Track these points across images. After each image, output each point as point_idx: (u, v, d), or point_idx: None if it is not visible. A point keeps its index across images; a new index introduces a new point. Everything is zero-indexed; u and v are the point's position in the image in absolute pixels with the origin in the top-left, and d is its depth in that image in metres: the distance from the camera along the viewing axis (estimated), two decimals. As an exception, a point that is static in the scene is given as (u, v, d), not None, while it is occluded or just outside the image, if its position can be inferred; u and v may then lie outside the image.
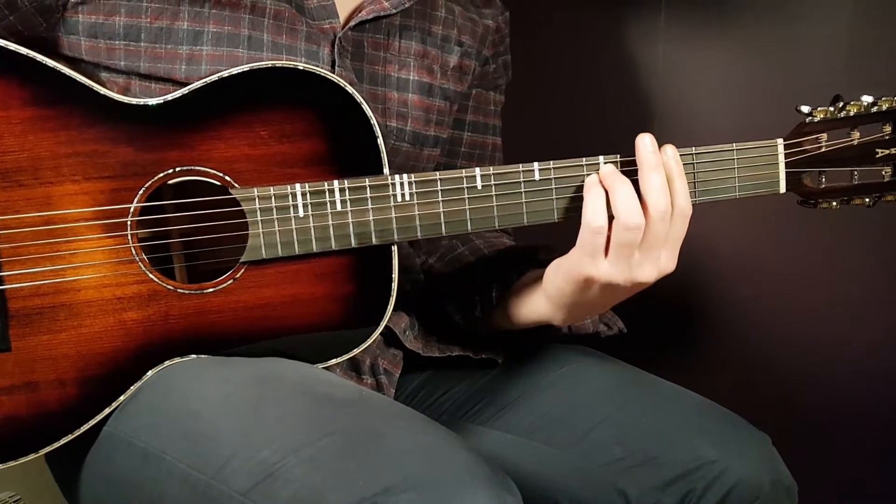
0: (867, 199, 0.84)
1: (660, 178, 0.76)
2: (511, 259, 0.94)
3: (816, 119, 0.82)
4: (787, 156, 0.82)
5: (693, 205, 0.81)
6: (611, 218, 0.77)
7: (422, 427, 0.70)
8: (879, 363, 1.14)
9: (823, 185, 0.84)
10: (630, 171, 0.79)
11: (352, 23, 0.84)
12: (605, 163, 0.80)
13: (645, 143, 0.78)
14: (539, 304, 0.84)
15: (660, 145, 0.79)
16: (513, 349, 0.95)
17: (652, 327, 1.24)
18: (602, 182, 0.78)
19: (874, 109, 0.82)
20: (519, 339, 0.93)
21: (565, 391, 0.88)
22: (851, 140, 0.82)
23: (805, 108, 0.82)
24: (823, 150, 0.82)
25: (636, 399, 0.86)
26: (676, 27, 1.19)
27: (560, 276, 0.80)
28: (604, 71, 1.26)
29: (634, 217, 0.75)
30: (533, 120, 1.25)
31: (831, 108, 0.82)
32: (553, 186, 0.79)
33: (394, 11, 0.85)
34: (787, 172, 0.82)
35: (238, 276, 0.77)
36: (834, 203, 0.84)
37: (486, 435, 0.88)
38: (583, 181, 0.79)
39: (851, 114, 0.81)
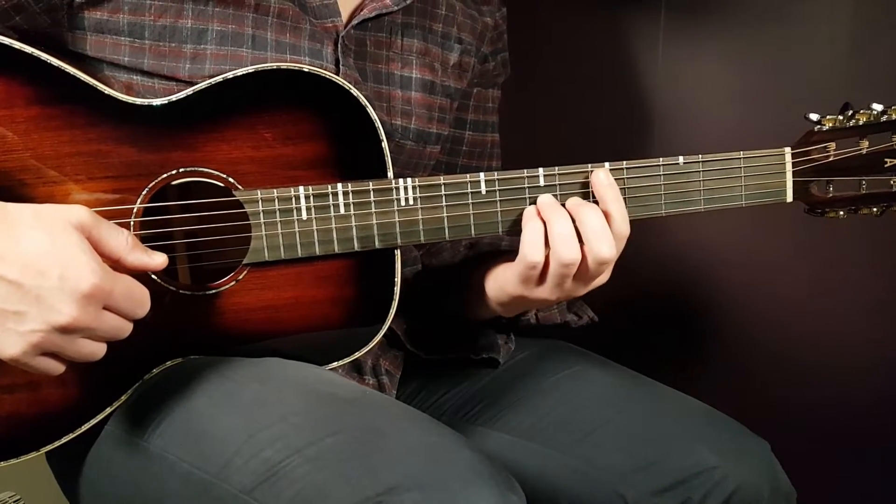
0: (875, 209, 0.89)
1: (597, 223, 0.81)
2: (474, 253, 1.01)
3: (825, 128, 0.86)
4: (794, 164, 0.87)
5: (699, 212, 0.86)
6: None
7: (425, 426, 0.76)
8: (881, 370, 1.20)
9: (831, 195, 0.88)
10: (633, 176, 0.84)
11: (354, 21, 0.88)
12: (610, 168, 0.84)
13: (573, 199, 0.83)
14: (483, 302, 0.91)
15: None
16: (513, 351, 1.01)
17: (653, 332, 1.29)
18: (540, 214, 0.83)
19: (884, 118, 0.86)
20: (491, 328, 1.00)
21: (566, 394, 0.94)
22: (860, 149, 0.87)
23: (814, 117, 0.86)
24: (831, 158, 0.87)
25: (637, 404, 0.93)
26: (676, 29, 1.23)
27: (496, 286, 0.89)
28: (603, 73, 1.30)
29: (571, 254, 0.81)
30: (532, 122, 1.29)
31: (840, 117, 0.86)
32: (558, 192, 0.84)
33: (395, 8, 0.90)
34: (794, 181, 0.87)
35: (240, 277, 0.82)
36: (841, 212, 0.89)
37: (486, 436, 0.94)
38: (588, 187, 0.84)
39: (860, 123, 0.86)
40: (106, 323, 0.69)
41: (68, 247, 0.67)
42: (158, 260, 0.73)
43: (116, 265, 0.71)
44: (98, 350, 0.71)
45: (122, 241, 0.71)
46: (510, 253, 0.87)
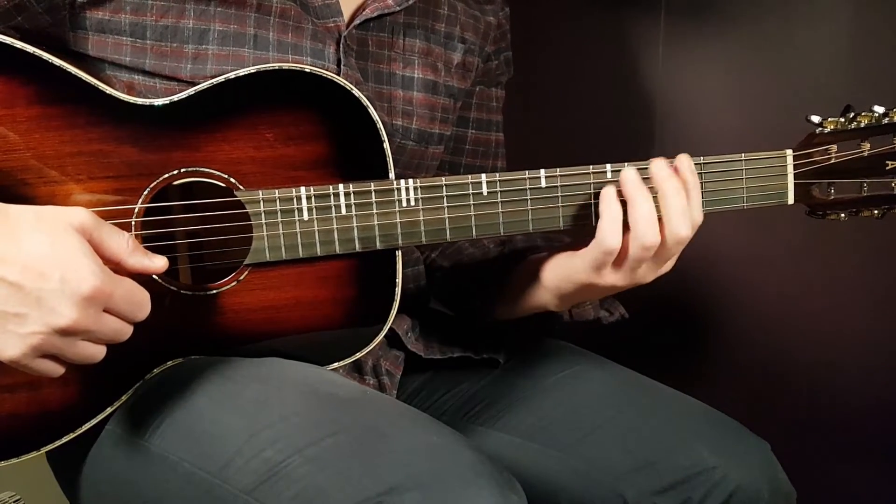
0: (876, 212, 0.89)
1: (681, 202, 0.81)
2: (510, 249, 1.00)
3: (827, 130, 0.86)
4: (796, 166, 0.87)
5: (699, 214, 0.86)
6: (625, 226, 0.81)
7: (426, 426, 0.76)
8: (881, 370, 1.20)
9: (832, 197, 0.89)
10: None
11: (356, 21, 0.88)
12: (612, 170, 0.84)
13: (660, 166, 0.82)
14: (537, 294, 0.90)
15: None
16: (514, 350, 1.01)
17: (653, 332, 1.30)
18: (624, 190, 0.82)
19: (885, 121, 0.87)
20: (520, 329, 0.99)
21: (566, 394, 0.94)
22: (862, 151, 0.87)
23: (815, 119, 0.87)
24: (833, 161, 0.87)
25: (636, 403, 0.93)
26: (677, 30, 1.24)
27: (560, 275, 0.87)
28: (603, 74, 1.31)
29: (653, 237, 0.80)
30: (532, 122, 1.30)
31: (842, 119, 0.87)
32: (559, 194, 0.85)
33: (398, 9, 0.90)
34: (795, 183, 0.87)
35: (242, 277, 0.83)
36: (842, 215, 0.89)
37: (486, 436, 0.94)
38: (589, 189, 0.84)
39: (862, 125, 0.86)
40: (106, 325, 0.69)
41: (69, 249, 0.67)
42: (159, 263, 0.74)
43: (117, 268, 0.71)
44: (98, 352, 0.71)
45: (123, 244, 0.71)
46: (568, 246, 0.87)
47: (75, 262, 0.67)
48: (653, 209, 0.81)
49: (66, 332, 0.67)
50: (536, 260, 0.90)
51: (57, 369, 0.70)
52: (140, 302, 0.71)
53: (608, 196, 0.82)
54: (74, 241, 0.68)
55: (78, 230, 0.68)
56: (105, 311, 0.69)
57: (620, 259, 0.82)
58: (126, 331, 0.71)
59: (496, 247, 1.02)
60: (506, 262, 0.97)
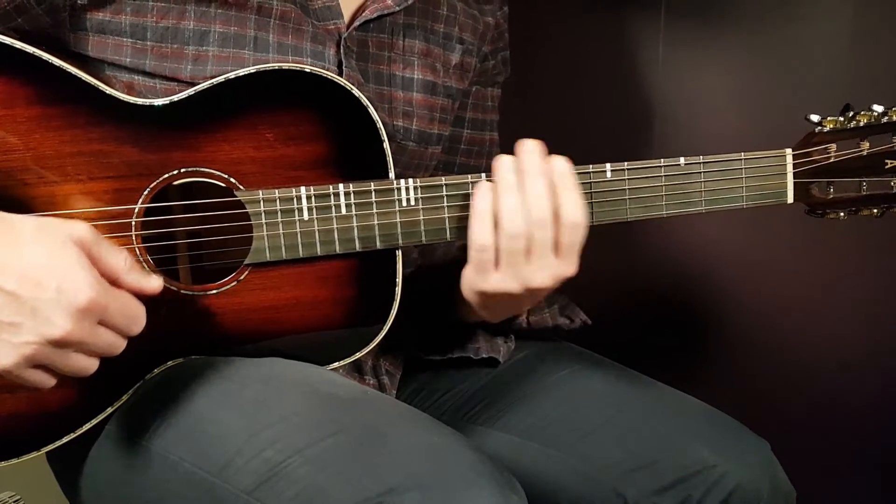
0: (875, 210, 0.90)
1: (540, 184, 0.79)
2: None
3: (826, 129, 0.87)
4: (795, 166, 0.87)
5: (700, 213, 0.86)
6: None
7: (426, 426, 0.76)
8: (881, 370, 1.20)
9: (831, 196, 0.89)
10: (634, 177, 0.85)
11: (356, 22, 0.88)
12: (611, 169, 0.84)
13: (525, 148, 0.81)
14: (464, 305, 0.88)
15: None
16: (514, 350, 1.01)
17: (653, 332, 1.30)
18: (497, 181, 0.80)
19: (884, 120, 0.87)
20: (483, 332, 0.98)
21: (566, 393, 0.95)
22: (861, 150, 0.87)
23: (815, 118, 0.87)
24: (832, 160, 0.87)
25: (636, 403, 0.93)
26: (676, 30, 1.24)
27: (464, 288, 0.85)
28: (603, 74, 1.31)
29: (517, 224, 0.78)
30: (532, 122, 1.29)
31: (841, 118, 0.87)
32: (559, 193, 0.84)
33: (397, 9, 0.90)
34: (795, 182, 0.87)
35: (242, 277, 0.83)
36: (842, 214, 0.89)
37: (486, 435, 0.95)
38: (589, 188, 0.84)
39: (861, 124, 0.87)
40: (100, 338, 0.70)
41: (67, 260, 0.67)
42: (155, 283, 0.74)
43: (113, 285, 0.71)
44: (90, 365, 0.71)
45: (121, 261, 0.71)
46: None
47: (72, 274, 0.67)
48: (517, 200, 0.78)
49: (59, 344, 0.67)
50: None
51: (48, 381, 0.70)
52: (135, 315, 0.71)
53: (475, 190, 0.81)
54: (73, 253, 0.68)
55: (76, 243, 0.69)
56: (100, 323, 0.69)
57: (498, 256, 0.80)
58: (119, 345, 0.71)
59: (458, 250, 0.98)
60: (458, 268, 0.93)
